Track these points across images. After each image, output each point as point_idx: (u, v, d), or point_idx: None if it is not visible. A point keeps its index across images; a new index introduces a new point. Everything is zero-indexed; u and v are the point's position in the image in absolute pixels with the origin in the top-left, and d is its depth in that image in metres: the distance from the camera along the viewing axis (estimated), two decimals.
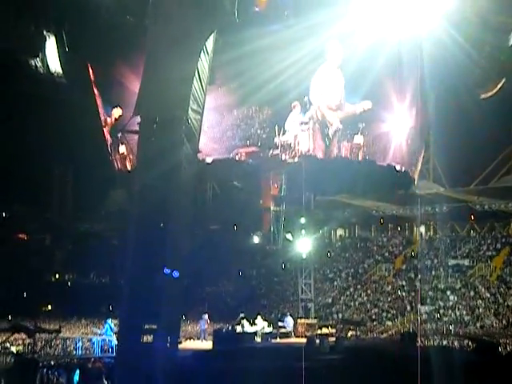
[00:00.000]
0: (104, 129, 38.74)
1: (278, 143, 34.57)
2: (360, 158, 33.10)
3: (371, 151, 33.93)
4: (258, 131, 34.80)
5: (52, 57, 40.86)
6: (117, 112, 37.75)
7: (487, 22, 33.51)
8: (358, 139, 33.25)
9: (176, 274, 17.99)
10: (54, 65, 41.27)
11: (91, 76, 37.71)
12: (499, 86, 37.83)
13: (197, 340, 36.15)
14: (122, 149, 36.97)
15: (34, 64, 41.78)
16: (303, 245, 43.18)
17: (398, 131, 35.30)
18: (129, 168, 35.62)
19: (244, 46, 29.84)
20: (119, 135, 36.79)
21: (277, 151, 34.62)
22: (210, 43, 19.44)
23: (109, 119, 38.64)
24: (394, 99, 34.56)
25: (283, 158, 34.29)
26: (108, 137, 38.58)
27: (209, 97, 29.56)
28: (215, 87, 27.50)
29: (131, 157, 35.27)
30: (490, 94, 38.46)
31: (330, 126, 32.99)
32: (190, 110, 18.67)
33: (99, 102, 38.47)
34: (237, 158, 34.96)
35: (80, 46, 37.01)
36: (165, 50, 18.59)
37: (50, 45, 39.94)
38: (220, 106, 34.27)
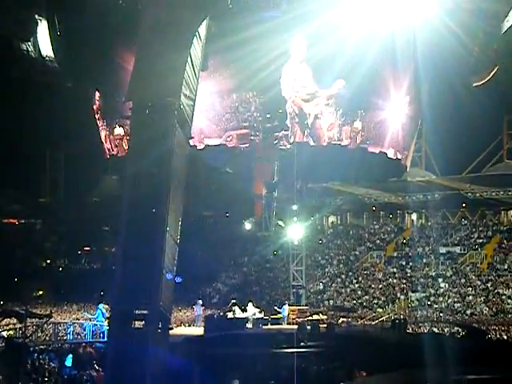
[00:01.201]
0: (96, 113, 38.69)
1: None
2: (358, 141, 33.93)
3: (369, 136, 34.52)
4: (255, 114, 34.80)
5: (44, 41, 40.68)
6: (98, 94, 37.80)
7: (480, 9, 33.52)
8: (357, 124, 33.96)
9: (179, 279, 18.10)
10: (46, 49, 41.09)
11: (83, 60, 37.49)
12: (492, 74, 37.88)
13: (191, 326, 36.32)
14: (119, 130, 36.84)
15: (25, 48, 41.61)
16: (295, 231, 43.31)
17: (395, 118, 35.46)
18: (126, 149, 35.48)
19: (237, 32, 29.79)
20: (116, 119, 36.71)
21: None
22: (202, 29, 19.35)
23: (97, 102, 38.56)
24: (390, 87, 34.68)
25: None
26: (99, 121, 38.50)
27: (206, 82, 29.68)
28: (208, 73, 27.40)
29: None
30: (482, 81, 38.52)
31: (308, 116, 33.38)
32: (182, 96, 18.58)
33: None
34: (228, 140, 34.97)
35: (72, 30, 36.81)
36: (157, 35, 18.48)
37: (42, 29, 39.76)
38: (216, 91, 34.28)
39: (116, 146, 37.11)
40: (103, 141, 38.30)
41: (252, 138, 35.15)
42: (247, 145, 36.23)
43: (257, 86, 33.76)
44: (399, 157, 36.92)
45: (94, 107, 38.54)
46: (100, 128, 38.39)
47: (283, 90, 33.31)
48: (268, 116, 34.47)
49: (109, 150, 38.05)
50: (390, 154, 36.17)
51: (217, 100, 34.62)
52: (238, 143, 35.48)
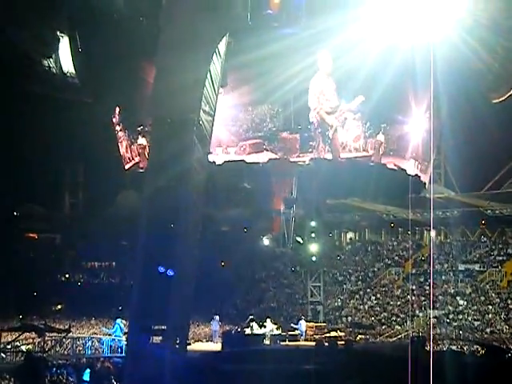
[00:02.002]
0: (116, 126, 39.07)
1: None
2: (381, 152, 35.08)
3: (392, 148, 35.66)
4: (270, 125, 35.59)
5: (65, 57, 41.08)
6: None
7: (499, 25, 33.43)
8: (380, 137, 35.20)
9: (170, 272, 17.94)
10: (67, 65, 41.49)
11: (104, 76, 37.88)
12: None
13: (208, 341, 36.32)
14: (142, 140, 37.38)
15: (46, 64, 42.02)
16: (313, 247, 43.24)
17: (416, 132, 35.76)
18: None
19: (257, 48, 29.97)
20: (139, 128, 37.17)
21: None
22: (222, 46, 19.47)
23: (118, 115, 38.93)
24: (411, 103, 35.05)
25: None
26: (120, 132, 38.89)
27: (227, 96, 30.10)
28: (228, 89, 27.68)
29: None
30: (502, 98, 38.35)
31: (330, 127, 34.63)
32: (201, 112, 18.69)
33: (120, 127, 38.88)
34: (242, 149, 35.71)
35: (93, 46, 37.18)
36: (177, 52, 18.62)
37: (63, 45, 40.16)
38: (235, 104, 34.92)
39: (139, 155, 37.64)
40: (124, 151, 38.74)
41: (264, 147, 35.80)
42: (266, 160, 36.58)
43: (275, 101, 34.47)
44: (420, 168, 37.11)
45: (114, 120, 38.92)
46: (120, 139, 38.79)
47: (309, 101, 34.40)
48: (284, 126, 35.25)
49: (130, 159, 38.52)
50: (411, 166, 36.36)
51: (235, 113, 35.35)
52: (251, 152, 36.10)
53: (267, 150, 36.31)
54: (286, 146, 35.79)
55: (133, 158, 38.15)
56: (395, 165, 35.88)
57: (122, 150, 38.94)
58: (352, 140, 35.04)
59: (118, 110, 38.83)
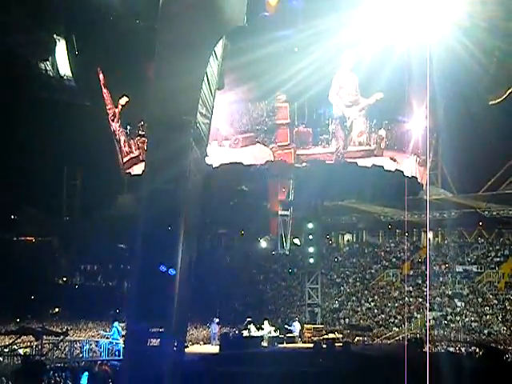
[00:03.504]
0: (113, 122, 39.03)
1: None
2: (383, 147, 35.96)
3: (392, 142, 36.33)
4: (266, 119, 36.33)
5: (62, 60, 41.08)
6: (123, 100, 38.10)
7: (497, 27, 33.52)
8: (381, 132, 36.00)
9: (172, 271, 17.92)
10: (64, 68, 41.50)
11: (101, 79, 37.86)
12: (508, 92, 37.81)
13: (207, 344, 36.31)
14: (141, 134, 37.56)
15: (43, 68, 42.05)
16: (310, 249, 43.24)
17: (417, 130, 36.18)
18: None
19: (253, 51, 30.03)
20: (139, 124, 37.26)
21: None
22: (219, 48, 19.46)
23: (116, 110, 38.92)
24: (410, 103, 35.50)
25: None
26: (117, 127, 38.94)
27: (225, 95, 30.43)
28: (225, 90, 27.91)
29: None
30: (499, 99, 38.44)
31: (348, 119, 36.00)
32: (198, 114, 18.66)
33: (108, 98, 38.73)
34: (235, 143, 36.25)
35: (90, 49, 37.17)
36: (173, 54, 18.58)
37: (60, 48, 40.17)
38: (233, 101, 35.48)
39: (139, 148, 37.79)
40: (122, 145, 38.87)
41: (257, 139, 36.62)
42: (263, 162, 36.80)
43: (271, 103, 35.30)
44: (419, 162, 37.40)
45: (112, 115, 39.03)
46: (118, 134, 38.89)
47: (330, 95, 35.64)
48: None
49: (127, 152, 38.67)
50: (412, 162, 36.77)
51: (233, 109, 36.23)
52: (244, 145, 36.75)
53: (259, 143, 37.02)
54: (300, 139, 36.52)
55: (132, 152, 38.47)
56: (394, 159, 36.45)
57: (120, 144, 39.19)
58: (356, 135, 36.09)
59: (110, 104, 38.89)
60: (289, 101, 35.98)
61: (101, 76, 37.62)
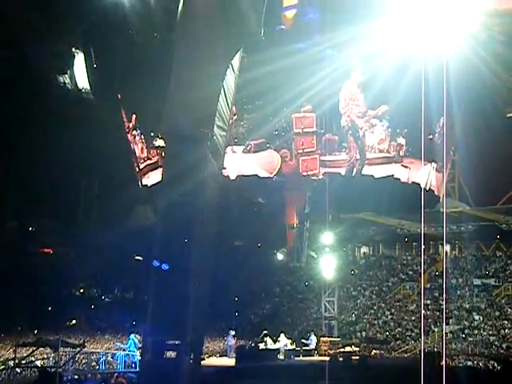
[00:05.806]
0: (130, 131, 39.44)
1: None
2: (402, 154, 37.67)
3: (411, 150, 37.62)
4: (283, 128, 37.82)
5: (80, 73, 41.42)
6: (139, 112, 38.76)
7: None
8: (401, 140, 37.68)
9: (165, 266, 17.93)
10: (82, 81, 41.82)
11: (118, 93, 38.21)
12: None
13: (223, 356, 36.23)
14: (160, 142, 38.15)
15: (62, 81, 42.40)
16: (327, 262, 43.15)
17: (435, 141, 36.56)
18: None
19: (270, 63, 30.22)
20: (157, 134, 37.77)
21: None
22: (236, 61, 19.59)
23: (131, 125, 39.32)
24: (429, 113, 35.65)
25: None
26: (136, 135, 39.47)
27: None
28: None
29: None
30: None
31: (360, 129, 37.49)
32: (215, 127, 18.79)
33: (125, 110, 39.20)
34: (248, 149, 37.72)
35: (108, 62, 37.48)
36: (191, 67, 18.73)
37: (79, 62, 40.53)
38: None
39: (157, 155, 38.40)
40: (139, 152, 39.40)
41: (268, 145, 38.15)
42: (273, 167, 37.80)
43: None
44: (436, 169, 37.64)
45: (130, 124, 39.51)
46: (136, 141, 39.37)
47: (340, 106, 37.22)
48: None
49: (145, 159, 39.27)
50: (428, 169, 36.95)
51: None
52: (255, 150, 38.22)
53: (271, 149, 37.81)
54: (327, 146, 37.99)
55: (149, 158, 39.23)
56: (407, 167, 36.96)
57: (138, 151, 39.82)
58: (377, 142, 37.55)
59: (134, 116, 39.44)
60: (314, 110, 36.98)
61: (118, 89, 37.95)
